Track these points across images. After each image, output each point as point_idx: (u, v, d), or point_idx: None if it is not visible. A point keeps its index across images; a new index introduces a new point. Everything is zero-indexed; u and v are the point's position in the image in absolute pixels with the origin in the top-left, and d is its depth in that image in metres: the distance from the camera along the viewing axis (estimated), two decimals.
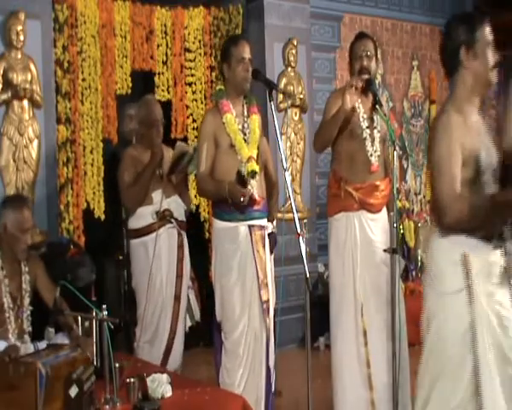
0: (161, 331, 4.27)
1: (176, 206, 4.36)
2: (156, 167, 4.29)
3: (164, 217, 4.27)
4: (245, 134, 3.80)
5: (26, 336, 3.69)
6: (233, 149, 3.76)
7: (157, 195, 4.29)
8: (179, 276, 4.32)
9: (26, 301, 3.75)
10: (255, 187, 3.77)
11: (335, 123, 3.80)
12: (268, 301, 3.81)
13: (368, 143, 3.88)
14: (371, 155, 3.90)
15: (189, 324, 4.48)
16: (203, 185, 3.83)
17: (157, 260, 4.25)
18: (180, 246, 4.34)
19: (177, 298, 4.30)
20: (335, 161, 4.03)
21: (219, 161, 3.79)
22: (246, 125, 3.83)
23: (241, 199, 3.62)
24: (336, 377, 3.91)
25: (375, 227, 3.92)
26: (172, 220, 4.31)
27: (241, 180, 3.61)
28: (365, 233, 3.89)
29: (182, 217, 4.39)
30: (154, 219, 4.26)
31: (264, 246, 3.83)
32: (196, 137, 6.32)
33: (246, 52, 3.77)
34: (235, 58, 3.77)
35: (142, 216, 4.28)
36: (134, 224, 4.33)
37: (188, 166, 4.34)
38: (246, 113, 3.86)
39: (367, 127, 3.91)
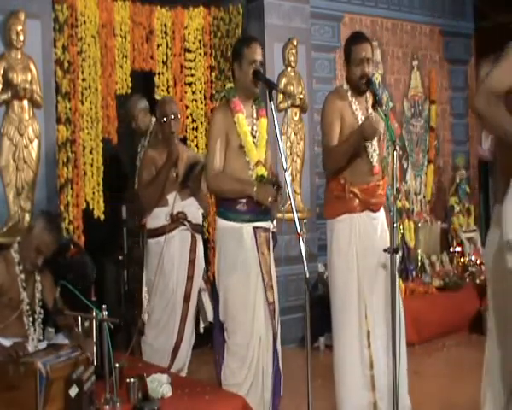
0: (171, 332, 4.33)
1: (191, 209, 4.42)
2: (172, 167, 4.36)
3: (177, 219, 4.35)
4: (254, 136, 3.75)
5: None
6: (242, 151, 3.70)
7: (172, 197, 4.35)
8: (190, 277, 4.39)
9: (37, 306, 3.74)
10: None
11: (352, 150, 3.80)
12: (274, 302, 3.77)
13: (368, 143, 3.87)
14: (371, 155, 3.89)
15: (202, 325, 4.56)
16: (219, 182, 3.70)
17: (170, 261, 4.33)
18: (193, 249, 4.41)
19: (187, 299, 4.38)
20: None
21: (228, 161, 3.71)
22: (255, 128, 3.77)
23: (269, 199, 3.62)
24: (339, 379, 3.88)
25: (376, 227, 3.91)
26: (186, 223, 4.37)
27: (274, 182, 3.64)
28: (368, 234, 3.88)
29: (197, 220, 4.46)
30: (167, 221, 4.34)
31: (268, 248, 3.79)
32: (196, 137, 6.34)
33: (258, 54, 3.71)
34: (247, 59, 3.69)
35: (158, 217, 4.38)
36: (151, 223, 4.43)
37: (201, 175, 4.37)
38: (255, 115, 3.81)
39: None
